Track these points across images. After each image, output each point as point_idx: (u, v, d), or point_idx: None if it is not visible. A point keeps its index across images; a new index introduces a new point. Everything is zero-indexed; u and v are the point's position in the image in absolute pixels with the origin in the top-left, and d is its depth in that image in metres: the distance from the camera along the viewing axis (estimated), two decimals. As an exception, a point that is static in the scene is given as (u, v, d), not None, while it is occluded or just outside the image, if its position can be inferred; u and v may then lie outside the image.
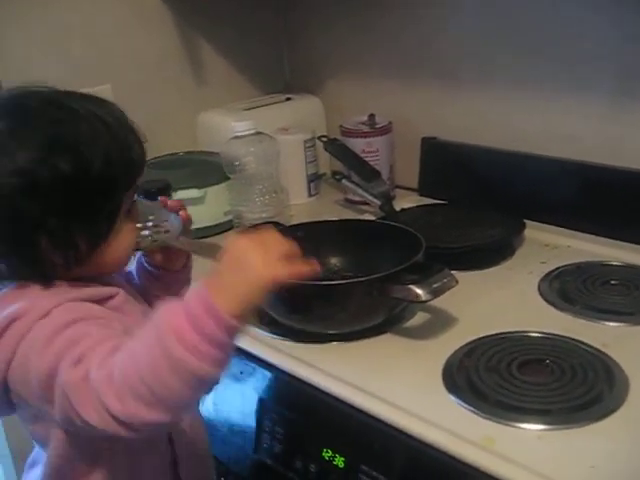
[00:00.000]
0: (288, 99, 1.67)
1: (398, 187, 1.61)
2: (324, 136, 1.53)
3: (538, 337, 1.00)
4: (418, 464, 0.85)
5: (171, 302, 0.70)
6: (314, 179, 1.58)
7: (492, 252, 1.27)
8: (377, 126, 1.52)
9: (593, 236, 1.28)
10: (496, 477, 0.77)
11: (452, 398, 0.89)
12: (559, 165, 1.35)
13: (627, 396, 0.87)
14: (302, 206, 1.55)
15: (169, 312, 0.70)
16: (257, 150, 1.34)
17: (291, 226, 1.22)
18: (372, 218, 1.39)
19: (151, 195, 1.27)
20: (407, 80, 1.57)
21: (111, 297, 0.84)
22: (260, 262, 0.69)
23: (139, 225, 0.88)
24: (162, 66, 1.60)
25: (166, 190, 1.29)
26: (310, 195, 1.58)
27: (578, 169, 1.33)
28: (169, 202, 0.96)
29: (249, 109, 1.59)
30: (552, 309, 1.09)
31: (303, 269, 0.73)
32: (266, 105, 1.63)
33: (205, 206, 1.39)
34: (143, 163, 0.85)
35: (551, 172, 1.37)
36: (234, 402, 1.06)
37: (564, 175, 1.34)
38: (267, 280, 0.70)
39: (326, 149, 1.50)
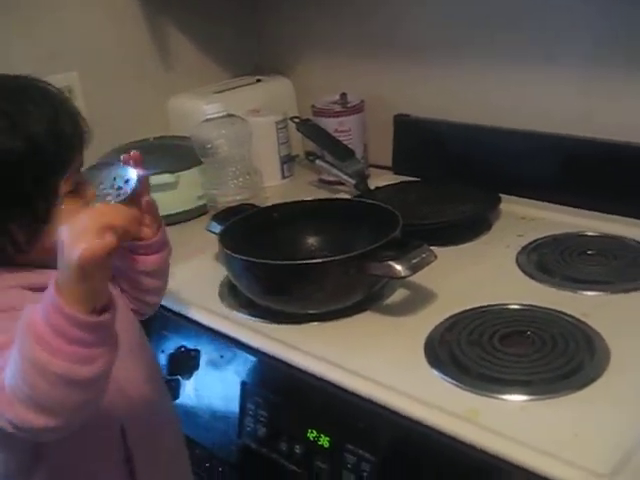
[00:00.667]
0: (258, 80, 1.65)
1: (372, 166, 1.60)
2: (296, 117, 1.51)
3: (518, 309, 1.00)
4: (403, 440, 0.85)
5: (32, 306, 0.67)
6: (287, 161, 1.56)
7: (468, 227, 1.26)
8: (349, 105, 1.50)
9: (569, 208, 1.28)
10: (481, 449, 0.77)
11: (435, 373, 0.89)
12: (533, 139, 1.35)
13: (608, 365, 0.88)
14: (276, 188, 1.54)
15: (31, 310, 0.66)
16: (229, 132, 1.32)
17: (266, 207, 1.21)
18: (348, 197, 1.38)
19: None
20: (378, 59, 1.55)
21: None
22: (68, 241, 0.64)
23: (99, 194, 0.84)
24: (130, 52, 1.57)
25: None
26: (284, 177, 1.57)
27: (551, 142, 1.33)
28: (123, 156, 0.90)
29: (219, 92, 1.57)
30: (531, 281, 1.09)
31: (112, 238, 0.64)
32: (236, 87, 1.61)
33: (178, 191, 1.37)
34: (76, 146, 0.81)
35: (525, 146, 1.37)
36: (215, 387, 1.05)
37: (538, 148, 1.35)
38: (77, 258, 0.62)
39: (298, 129, 1.49)
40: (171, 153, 1.41)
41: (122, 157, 0.90)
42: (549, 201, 1.32)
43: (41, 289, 0.74)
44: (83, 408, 0.68)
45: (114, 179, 0.87)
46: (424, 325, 0.98)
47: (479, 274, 1.13)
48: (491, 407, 0.83)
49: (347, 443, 0.89)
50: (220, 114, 1.32)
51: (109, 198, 0.86)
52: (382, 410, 0.86)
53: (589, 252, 1.14)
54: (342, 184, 1.44)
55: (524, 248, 1.18)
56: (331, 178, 1.48)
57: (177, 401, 1.08)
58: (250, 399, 1.01)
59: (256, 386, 1.00)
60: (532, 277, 1.09)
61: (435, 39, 1.46)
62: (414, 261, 0.96)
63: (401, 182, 1.47)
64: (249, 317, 1.06)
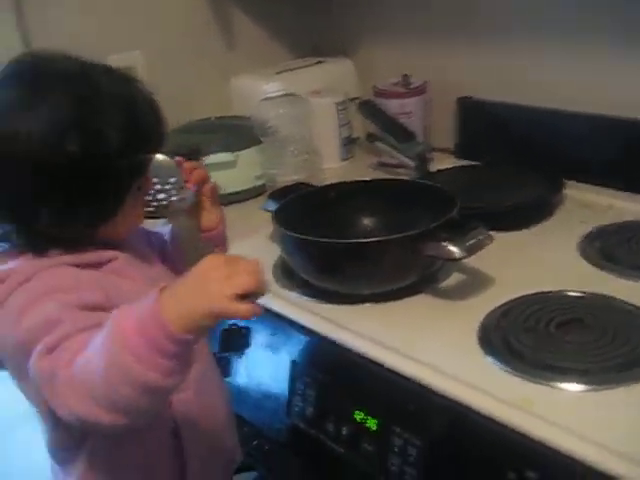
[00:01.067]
0: (319, 62, 1.64)
1: (434, 149, 1.56)
2: (357, 98, 1.49)
3: (577, 296, 0.97)
4: (452, 425, 0.83)
5: (127, 306, 0.68)
6: (347, 142, 1.55)
7: (529, 212, 1.22)
8: (411, 87, 1.48)
9: (637, 195, 1.23)
10: (534, 438, 0.74)
11: (489, 359, 0.87)
12: (600, 123, 1.30)
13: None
14: (335, 169, 1.53)
15: (122, 316, 0.68)
16: (288, 111, 1.32)
17: (323, 186, 1.20)
18: (405, 178, 1.36)
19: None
20: (443, 40, 1.52)
21: (108, 261, 0.81)
22: (215, 290, 0.66)
23: (158, 187, 0.87)
24: (192, 32, 1.58)
25: (195, 155, 1.28)
26: (343, 159, 1.55)
27: (621, 127, 1.28)
28: (186, 164, 0.92)
29: (281, 72, 1.56)
30: (593, 269, 1.05)
31: (246, 312, 0.67)
32: (297, 68, 1.61)
33: (237, 170, 1.37)
34: (160, 144, 0.83)
35: (591, 130, 1.32)
36: (266, 366, 1.05)
37: (606, 133, 1.30)
38: (214, 312, 0.66)
39: (359, 111, 1.47)
40: (231, 132, 1.41)
41: (176, 159, 0.91)
42: (615, 188, 1.27)
43: (98, 265, 0.79)
44: (153, 411, 0.73)
45: (169, 181, 0.89)
46: (479, 310, 0.96)
47: (539, 260, 1.09)
48: (545, 396, 0.80)
49: (395, 426, 0.87)
50: (279, 93, 1.31)
51: (161, 196, 0.89)
52: (432, 394, 0.84)
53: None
54: (402, 167, 1.42)
55: (587, 235, 1.13)
56: (391, 160, 1.45)
57: (228, 379, 1.08)
58: (300, 379, 1.00)
59: (306, 366, 1.00)
60: (595, 265, 1.05)
61: (502, 20, 1.42)
62: (470, 243, 0.94)
63: (462, 166, 1.44)
64: (301, 296, 1.06)
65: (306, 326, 1.00)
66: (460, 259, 0.95)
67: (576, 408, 0.78)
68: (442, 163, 1.49)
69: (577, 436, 0.73)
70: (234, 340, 1.09)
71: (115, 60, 1.47)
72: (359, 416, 0.91)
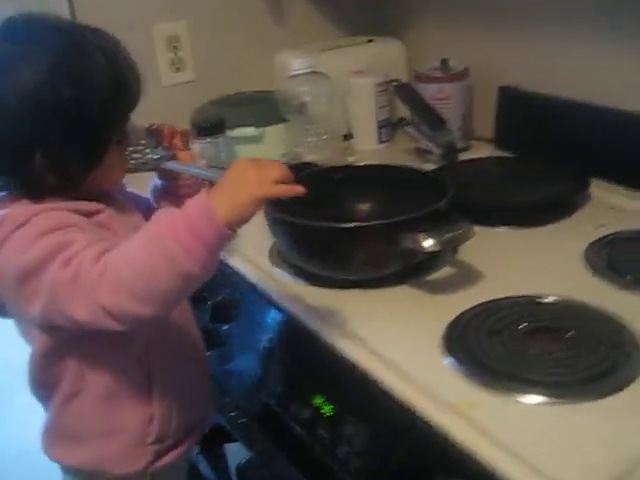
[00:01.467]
0: (370, 41, 1.61)
1: (474, 138, 1.52)
2: (395, 80, 1.46)
3: (558, 302, 0.92)
4: (398, 422, 0.81)
5: (169, 208, 0.77)
6: (385, 125, 1.52)
7: (547, 210, 1.17)
8: (451, 72, 1.43)
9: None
10: (458, 442, 0.72)
11: (446, 360, 0.84)
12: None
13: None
14: (369, 152, 1.51)
15: (168, 214, 0.76)
16: (312, 90, 1.31)
17: (329, 168, 1.19)
18: (432, 167, 1.33)
19: (204, 131, 1.29)
20: (491, 25, 1.46)
21: (97, 212, 0.86)
22: (254, 180, 0.76)
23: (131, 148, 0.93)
24: (240, 4, 1.59)
25: (219, 127, 1.30)
26: (380, 141, 1.53)
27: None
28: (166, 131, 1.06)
29: (326, 50, 1.55)
30: (591, 276, 0.99)
31: (288, 190, 0.79)
32: (345, 46, 1.59)
33: (263, 145, 1.38)
34: (139, 96, 0.88)
35: (632, 129, 1.24)
36: (247, 341, 1.07)
37: None
38: (258, 196, 0.76)
39: (395, 94, 1.44)
40: (262, 107, 1.42)
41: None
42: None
43: (87, 214, 0.84)
44: (177, 302, 0.80)
45: (140, 143, 0.98)
46: (454, 307, 0.93)
47: (539, 261, 1.05)
48: (490, 403, 0.77)
49: (347, 415, 0.87)
50: (306, 71, 1.30)
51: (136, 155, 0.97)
52: (380, 388, 0.83)
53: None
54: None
55: (599, 240, 1.07)
56: (422, 146, 1.42)
57: (216, 351, 1.11)
58: (274, 358, 1.01)
59: (279, 345, 1.01)
60: (595, 272, 1.00)
61: (552, 10, 1.35)
62: (446, 236, 0.91)
63: (494, 157, 1.39)
64: (287, 275, 1.06)
65: (280, 304, 1.00)
66: (433, 252, 0.92)
67: (518, 420, 0.75)
68: (477, 152, 1.45)
69: (502, 448, 0.70)
70: (224, 312, 1.11)
71: (160, 30, 1.53)
72: (318, 401, 0.91)
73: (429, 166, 1.36)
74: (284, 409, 0.97)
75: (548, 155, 1.33)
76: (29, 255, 0.77)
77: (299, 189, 0.79)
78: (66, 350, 0.88)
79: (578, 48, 1.32)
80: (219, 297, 1.12)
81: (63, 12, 1.38)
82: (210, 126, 1.28)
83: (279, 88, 1.35)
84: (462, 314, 0.91)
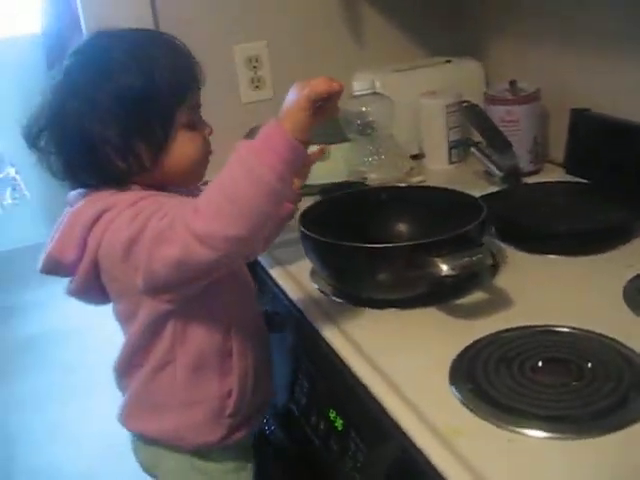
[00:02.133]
0: (448, 61, 1.62)
1: (548, 161, 1.50)
2: (466, 101, 1.46)
3: (578, 335, 0.90)
4: (395, 445, 0.82)
5: (244, 140, 0.86)
6: (457, 145, 1.52)
7: (600, 239, 1.14)
8: (520, 94, 1.42)
9: None
10: (434, 467, 0.73)
11: (452, 388, 0.84)
12: None
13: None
14: (439, 172, 1.52)
15: (243, 142, 0.85)
16: (373, 110, 1.33)
17: (376, 188, 1.22)
18: (495, 189, 1.33)
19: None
20: (568, 47, 1.43)
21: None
22: (300, 87, 0.85)
23: None
24: (320, 25, 1.64)
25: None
26: (451, 162, 1.53)
27: None
28: None
29: (400, 71, 1.57)
30: (627, 311, 0.96)
31: (326, 84, 0.86)
32: (421, 67, 1.60)
33: (327, 163, 1.40)
34: (188, 84, 0.95)
35: None
36: (284, 350, 1.11)
37: None
38: (305, 96, 0.84)
39: (463, 115, 1.45)
40: (329, 126, 1.44)
41: None
42: None
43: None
44: (263, 223, 0.85)
45: None
46: (475, 333, 0.93)
47: (575, 291, 1.03)
48: (478, 433, 0.77)
49: (353, 431, 0.90)
50: (366, 91, 1.33)
51: None
52: (382, 410, 0.84)
53: None
54: (500, 176, 1.38)
55: (641, 275, 1.04)
56: (486, 168, 1.41)
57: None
58: (300, 369, 1.05)
59: (306, 357, 1.04)
60: (630, 307, 0.96)
61: (627, 29, 1.31)
62: (462, 261, 0.92)
63: (559, 182, 1.36)
64: (320, 291, 1.09)
65: (308, 317, 1.04)
66: (446, 277, 0.93)
67: (500, 452, 0.75)
68: (548, 176, 1.43)
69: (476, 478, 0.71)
70: (273, 322, 1.16)
71: (241, 49, 1.61)
72: (332, 414, 0.95)
73: (493, 189, 1.36)
74: (305, 419, 1.01)
75: (618, 182, 1.29)
76: (131, 228, 0.87)
77: (336, 84, 0.87)
78: (166, 320, 0.95)
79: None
80: (264, 308, 1.17)
81: (148, 24, 1.48)
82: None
83: (341, 108, 1.38)
84: (477, 341, 0.91)
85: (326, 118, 0.90)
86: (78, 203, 0.95)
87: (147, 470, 1.08)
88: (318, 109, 0.86)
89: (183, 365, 0.97)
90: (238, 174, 0.82)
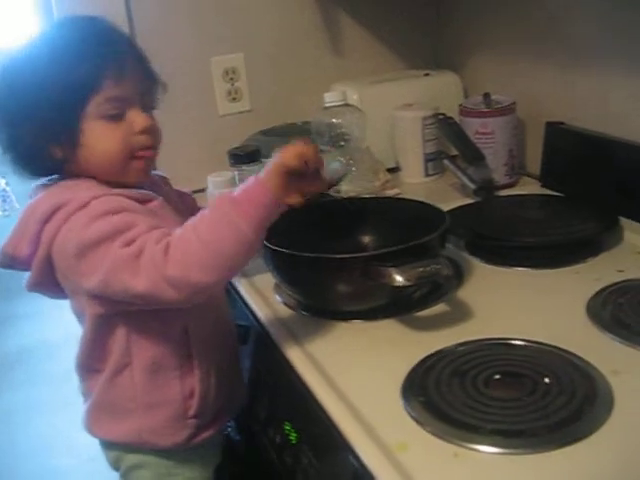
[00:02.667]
0: (426, 75, 1.62)
1: (524, 174, 1.49)
2: (441, 114, 1.46)
3: (534, 348, 0.89)
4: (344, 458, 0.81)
5: (226, 192, 0.88)
6: (433, 158, 1.51)
7: (569, 251, 1.13)
8: (494, 106, 1.41)
9: None
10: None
11: (401, 398, 0.83)
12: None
13: (596, 430, 0.75)
14: (414, 185, 1.51)
15: (224, 195, 0.87)
16: (344, 121, 1.33)
17: (343, 199, 1.21)
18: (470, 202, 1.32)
19: (239, 159, 1.34)
20: (542, 61, 1.43)
21: (149, 200, 0.95)
22: (283, 154, 0.88)
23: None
24: (298, 37, 1.64)
25: (254, 156, 1.34)
26: (427, 175, 1.52)
27: None
28: None
29: (377, 82, 1.57)
30: (589, 325, 0.94)
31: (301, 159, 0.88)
32: (398, 79, 1.60)
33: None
34: (106, 72, 0.91)
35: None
36: (245, 361, 1.10)
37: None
38: (279, 164, 0.87)
39: (437, 127, 1.44)
40: (304, 138, 1.45)
41: None
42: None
43: (142, 201, 0.93)
44: (235, 270, 0.89)
45: None
46: (432, 346, 0.92)
47: (540, 304, 1.01)
48: (423, 447, 0.76)
49: (305, 445, 0.89)
50: (337, 103, 1.33)
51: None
52: (331, 424, 0.83)
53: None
54: (474, 188, 1.37)
55: (608, 286, 1.02)
56: (459, 180, 1.41)
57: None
58: (262, 381, 1.04)
59: (265, 370, 1.03)
60: (593, 320, 0.95)
61: (602, 45, 1.30)
62: (416, 272, 0.91)
63: (533, 195, 1.35)
64: (283, 302, 1.08)
65: (268, 330, 1.03)
66: (401, 287, 0.91)
67: (443, 466, 0.73)
68: (524, 189, 1.42)
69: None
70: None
71: (218, 61, 1.61)
72: (287, 427, 0.94)
73: (467, 202, 1.35)
74: (263, 433, 1.00)
75: (591, 195, 1.28)
76: (89, 232, 0.86)
77: (309, 156, 0.89)
78: (115, 322, 0.95)
79: (625, 85, 1.27)
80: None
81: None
82: (244, 155, 1.32)
83: (313, 120, 1.38)
84: (433, 354, 0.90)
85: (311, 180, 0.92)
86: (37, 196, 0.95)
87: (120, 475, 1.07)
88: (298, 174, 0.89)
89: (140, 368, 0.96)
90: (222, 228, 0.84)
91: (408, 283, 0.90)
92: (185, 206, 1.09)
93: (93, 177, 0.94)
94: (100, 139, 0.92)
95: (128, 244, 0.85)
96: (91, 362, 1.00)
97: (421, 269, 0.91)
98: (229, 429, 1.18)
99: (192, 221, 0.87)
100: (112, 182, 0.94)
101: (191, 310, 0.93)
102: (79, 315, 0.99)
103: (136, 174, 0.97)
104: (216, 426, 1.03)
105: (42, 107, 0.90)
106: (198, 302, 0.89)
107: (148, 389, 0.97)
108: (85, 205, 0.89)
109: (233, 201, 0.85)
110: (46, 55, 0.91)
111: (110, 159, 0.94)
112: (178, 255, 0.83)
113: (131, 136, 0.94)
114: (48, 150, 0.92)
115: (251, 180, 0.88)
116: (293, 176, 0.88)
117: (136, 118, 0.94)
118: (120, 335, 0.95)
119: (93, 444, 1.06)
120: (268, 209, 0.86)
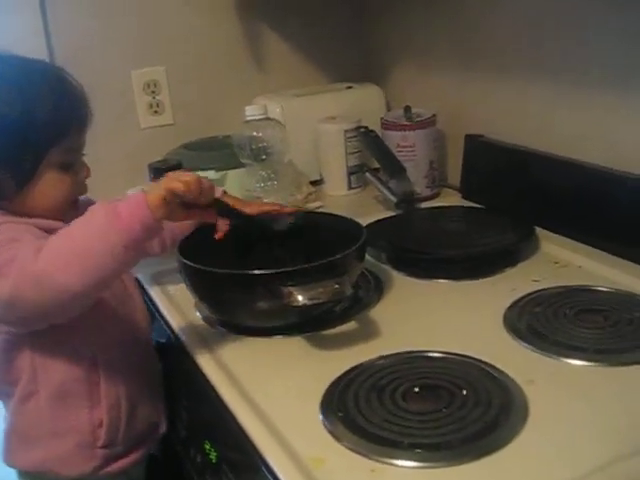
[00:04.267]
0: (349, 87, 1.63)
1: (446, 186, 1.51)
2: (363, 127, 1.47)
3: (451, 359, 0.89)
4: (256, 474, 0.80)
5: (104, 202, 0.86)
6: (356, 171, 1.52)
7: (488, 262, 1.15)
8: (416, 119, 1.43)
9: (624, 261, 1.11)
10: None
11: (320, 417, 0.82)
12: (602, 178, 1.18)
13: (509, 441, 0.75)
14: (338, 198, 1.52)
15: (106, 205, 0.85)
16: (265, 135, 1.32)
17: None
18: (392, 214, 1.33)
19: (159, 172, 1.32)
20: (462, 73, 1.46)
21: (57, 229, 0.90)
22: (169, 179, 0.87)
23: None
24: (220, 51, 1.63)
25: (175, 169, 1.32)
26: (350, 188, 1.53)
27: (620, 183, 1.15)
28: None
29: (300, 95, 1.57)
30: (505, 335, 0.96)
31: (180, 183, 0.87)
32: (322, 92, 1.60)
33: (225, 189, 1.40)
34: (71, 124, 0.93)
35: (584, 181, 1.20)
36: (165, 379, 1.08)
37: (608, 188, 1.17)
38: (170, 186, 0.86)
39: (359, 140, 1.45)
40: (227, 152, 1.44)
41: None
42: (601, 248, 1.15)
43: (48, 230, 0.90)
44: (102, 284, 0.87)
45: None
46: (350, 361, 0.91)
47: (458, 316, 1.02)
48: (340, 463, 0.75)
49: (225, 464, 0.87)
50: (256, 117, 1.32)
51: None
52: (248, 440, 0.82)
53: (589, 311, 0.98)
54: (396, 201, 1.39)
55: (524, 297, 1.04)
56: (380, 193, 1.42)
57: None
58: (181, 399, 1.02)
59: (186, 387, 1.01)
60: (509, 331, 0.96)
61: (519, 63, 1.34)
62: (316, 292, 0.90)
63: (453, 206, 1.38)
64: (203, 318, 1.07)
65: (186, 346, 1.01)
66: (301, 307, 0.91)
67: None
68: (445, 201, 1.44)
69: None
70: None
71: (138, 75, 1.58)
72: (207, 446, 0.92)
73: (389, 214, 1.36)
74: (185, 453, 0.98)
75: (510, 207, 1.31)
76: None
77: (192, 188, 0.87)
78: (20, 347, 0.93)
79: (541, 97, 1.30)
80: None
81: (42, 58, 1.43)
82: (165, 168, 1.30)
83: (234, 133, 1.37)
84: (351, 369, 0.90)
85: (200, 216, 0.94)
86: None
87: None
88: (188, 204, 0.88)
89: (46, 396, 0.94)
90: (92, 235, 0.83)
91: (309, 303, 0.89)
92: None
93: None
94: (52, 187, 0.94)
95: (7, 251, 0.84)
96: (1, 386, 0.97)
97: (320, 289, 0.90)
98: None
99: (69, 227, 0.86)
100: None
101: (100, 335, 0.92)
102: None
103: (71, 215, 0.95)
104: (131, 458, 1.01)
105: (15, 142, 0.90)
106: (63, 317, 0.87)
107: (55, 416, 0.95)
108: None
109: (114, 212, 0.84)
110: (29, 93, 0.90)
111: (55, 206, 0.95)
112: (47, 253, 0.82)
113: (77, 184, 0.97)
114: None
115: (136, 197, 0.86)
116: (179, 203, 0.87)
117: (82, 167, 0.98)
118: (25, 363, 0.93)
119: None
120: (145, 230, 0.85)
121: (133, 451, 1.01)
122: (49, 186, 0.93)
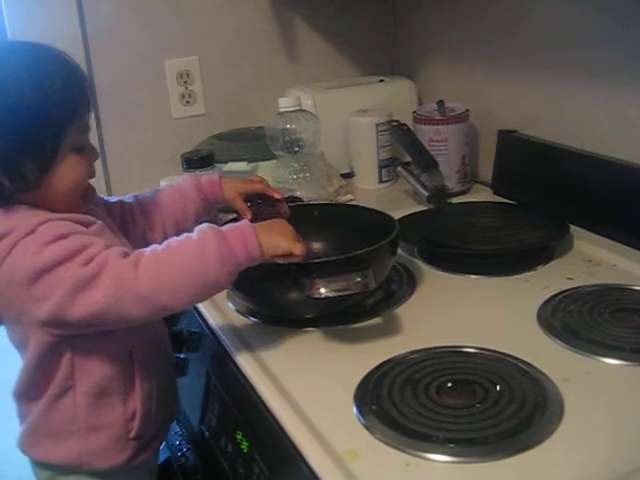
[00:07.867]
0: (381, 81, 1.62)
1: (480, 182, 1.51)
2: (395, 121, 1.46)
3: (487, 356, 0.89)
4: (294, 466, 0.80)
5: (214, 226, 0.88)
6: (387, 165, 1.52)
7: (520, 259, 1.15)
8: (450, 114, 1.42)
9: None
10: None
11: (355, 412, 0.82)
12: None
13: (547, 437, 0.75)
14: (368, 191, 1.51)
15: (210, 228, 0.87)
16: (298, 127, 1.32)
17: (307, 204, 1.21)
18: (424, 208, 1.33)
19: (192, 163, 1.32)
20: (495, 68, 1.45)
21: (90, 224, 0.92)
22: (287, 237, 0.90)
23: None
24: (254, 43, 1.63)
25: (207, 160, 1.33)
26: (381, 181, 1.53)
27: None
28: None
29: (333, 88, 1.57)
30: (539, 332, 0.95)
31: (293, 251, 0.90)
32: (355, 85, 1.60)
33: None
34: (81, 105, 0.91)
35: (622, 179, 1.19)
36: (193, 371, 1.08)
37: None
38: (283, 245, 0.89)
39: (392, 134, 1.44)
40: (258, 143, 1.44)
41: None
42: (635, 247, 1.14)
43: (85, 225, 0.90)
44: (192, 303, 0.89)
45: None
46: (383, 354, 0.91)
47: (491, 312, 1.02)
48: (375, 457, 0.75)
49: (256, 454, 0.87)
50: (290, 108, 1.32)
51: None
52: (281, 431, 0.82)
53: (625, 311, 0.97)
54: (428, 195, 1.38)
55: (557, 294, 1.03)
56: (412, 187, 1.41)
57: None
58: (213, 390, 1.02)
59: (218, 377, 1.02)
60: (543, 328, 0.96)
61: (553, 57, 1.32)
62: (340, 284, 0.90)
63: (485, 202, 1.37)
64: (236, 309, 1.07)
65: (219, 337, 1.01)
66: (323, 298, 0.90)
67: (396, 475, 0.72)
68: (476, 196, 1.44)
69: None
70: (189, 342, 1.13)
71: (172, 64, 1.59)
72: (239, 436, 0.92)
73: (420, 208, 1.36)
74: (216, 442, 0.99)
75: (542, 203, 1.30)
76: (42, 257, 0.83)
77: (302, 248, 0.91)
78: (61, 348, 0.92)
79: (577, 95, 1.29)
80: (180, 327, 1.15)
81: (77, 46, 1.45)
82: (197, 159, 1.31)
83: (267, 125, 1.37)
84: (385, 362, 0.90)
85: None
86: None
87: None
88: None
89: (83, 392, 0.94)
90: (206, 259, 0.84)
91: (331, 295, 0.89)
92: (113, 219, 1.06)
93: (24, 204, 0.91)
94: (73, 170, 0.91)
95: (85, 264, 0.83)
96: (30, 390, 0.96)
97: (343, 282, 0.90)
98: (180, 450, 1.17)
99: (170, 242, 0.86)
100: (53, 209, 0.91)
101: (136, 330, 0.91)
102: (20, 345, 0.95)
103: (86, 201, 0.97)
104: (153, 448, 1.03)
105: (35, 125, 0.87)
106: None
107: (90, 412, 0.95)
108: (32, 231, 0.85)
109: (223, 237, 0.85)
110: (39, 74, 0.88)
111: (76, 190, 0.93)
112: (151, 273, 0.82)
113: (91, 166, 0.95)
114: (18, 172, 0.88)
115: (244, 228, 0.88)
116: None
117: (93, 150, 0.96)
118: (65, 361, 0.93)
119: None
120: (247, 263, 0.87)
121: (154, 440, 1.03)
122: (69, 169, 0.90)
